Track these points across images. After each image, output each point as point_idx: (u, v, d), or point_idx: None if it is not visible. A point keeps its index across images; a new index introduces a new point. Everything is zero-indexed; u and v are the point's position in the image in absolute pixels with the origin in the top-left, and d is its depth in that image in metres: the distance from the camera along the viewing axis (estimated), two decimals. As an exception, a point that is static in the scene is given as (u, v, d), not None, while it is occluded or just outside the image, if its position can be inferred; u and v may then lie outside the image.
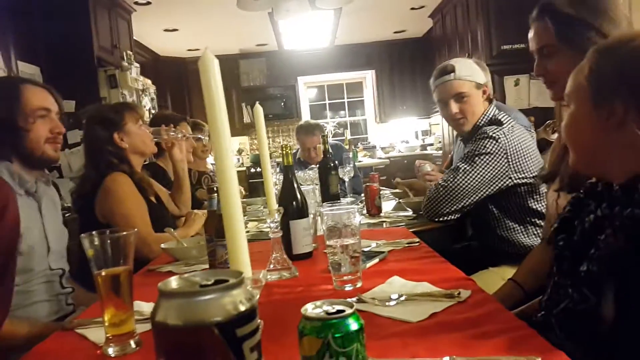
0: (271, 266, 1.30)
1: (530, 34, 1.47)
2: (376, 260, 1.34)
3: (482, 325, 0.86)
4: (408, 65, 7.44)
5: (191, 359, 0.39)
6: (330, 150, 3.53)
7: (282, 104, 7.40)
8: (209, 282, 0.43)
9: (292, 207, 1.47)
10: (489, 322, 0.88)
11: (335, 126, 7.58)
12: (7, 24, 3.42)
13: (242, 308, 0.41)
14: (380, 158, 7.08)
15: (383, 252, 1.40)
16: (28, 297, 1.48)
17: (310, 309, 0.59)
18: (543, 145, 3.15)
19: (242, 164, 7.40)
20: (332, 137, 7.44)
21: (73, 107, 3.85)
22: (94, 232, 0.88)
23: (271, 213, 1.30)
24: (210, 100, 0.62)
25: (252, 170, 7.01)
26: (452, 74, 2.02)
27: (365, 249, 1.44)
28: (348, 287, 1.13)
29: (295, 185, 1.50)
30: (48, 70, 3.83)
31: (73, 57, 3.89)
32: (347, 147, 4.75)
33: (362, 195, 3.13)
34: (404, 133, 7.78)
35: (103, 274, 0.89)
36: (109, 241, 0.88)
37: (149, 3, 4.72)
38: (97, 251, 0.88)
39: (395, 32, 6.95)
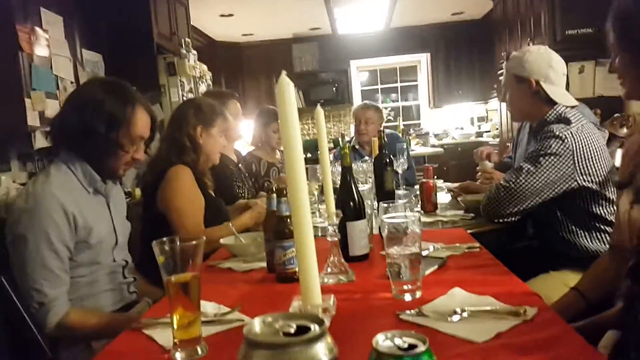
0: (329, 269, 1.30)
1: None
2: (435, 267, 1.32)
3: (550, 349, 0.84)
4: (465, 49, 7.21)
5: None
6: (386, 139, 3.52)
7: (334, 88, 7.36)
8: (292, 330, 0.43)
9: (350, 208, 1.47)
10: (557, 346, 0.85)
11: (388, 113, 7.49)
12: (72, 14, 3.56)
13: (324, 361, 0.41)
14: (433, 146, 6.95)
15: (442, 258, 1.37)
16: (94, 287, 1.55)
17: (381, 340, 0.58)
18: (610, 140, 3.00)
19: (294, 148, 7.43)
20: (385, 122, 7.36)
21: (134, 93, 3.98)
22: (164, 240, 0.91)
23: (330, 216, 1.30)
24: (285, 120, 0.63)
25: (304, 155, 7.04)
26: (505, 63, 2.02)
27: (424, 253, 1.42)
28: (407, 297, 1.12)
29: (354, 187, 1.50)
30: (110, 57, 3.97)
31: (134, 44, 3.99)
32: (400, 135, 4.69)
33: (415, 187, 3.11)
34: (458, 119, 7.59)
35: (173, 280, 0.92)
36: (178, 249, 0.90)
37: (206, -11, 4.78)
38: (167, 258, 0.91)
39: (452, 14, 6.74)
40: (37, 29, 3.11)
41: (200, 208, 1.99)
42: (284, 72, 0.62)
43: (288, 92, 0.61)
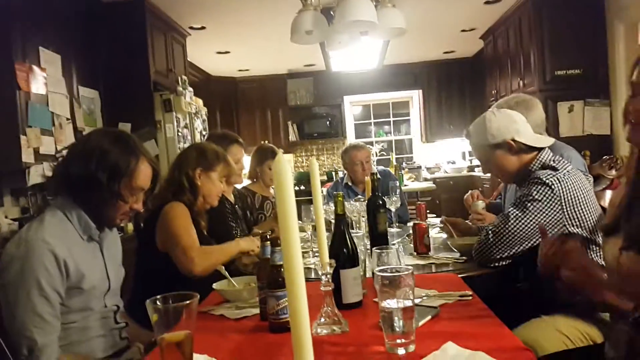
0: (322, 319, 1.31)
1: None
2: (428, 317, 1.32)
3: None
4: (456, 85, 7.36)
5: None
6: (379, 176, 3.54)
7: (328, 122, 7.46)
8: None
9: (343, 255, 1.48)
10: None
11: (381, 147, 7.57)
12: (70, 52, 3.61)
13: None
14: (426, 179, 6.99)
15: (435, 308, 1.38)
16: (86, 334, 1.55)
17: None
18: (598, 182, 3.04)
19: (287, 181, 7.47)
20: (377, 157, 7.44)
21: (129, 129, 4.01)
22: (157, 299, 0.92)
23: (324, 266, 1.31)
24: (282, 197, 0.64)
25: (296, 188, 7.07)
26: (469, 141, 2.08)
27: (416, 301, 1.43)
28: (401, 351, 1.12)
29: (347, 234, 1.51)
30: (106, 94, 4.01)
31: (130, 81, 4.05)
32: (393, 171, 4.74)
33: (408, 225, 3.12)
34: (450, 153, 7.67)
35: (166, 338, 0.92)
36: (171, 309, 0.91)
37: (203, 28, 4.87)
38: (160, 317, 0.91)
39: (444, 53, 6.90)
40: (35, 67, 3.15)
41: (195, 234, 2.02)
42: (280, 152, 0.64)
43: (286, 170, 0.63)
